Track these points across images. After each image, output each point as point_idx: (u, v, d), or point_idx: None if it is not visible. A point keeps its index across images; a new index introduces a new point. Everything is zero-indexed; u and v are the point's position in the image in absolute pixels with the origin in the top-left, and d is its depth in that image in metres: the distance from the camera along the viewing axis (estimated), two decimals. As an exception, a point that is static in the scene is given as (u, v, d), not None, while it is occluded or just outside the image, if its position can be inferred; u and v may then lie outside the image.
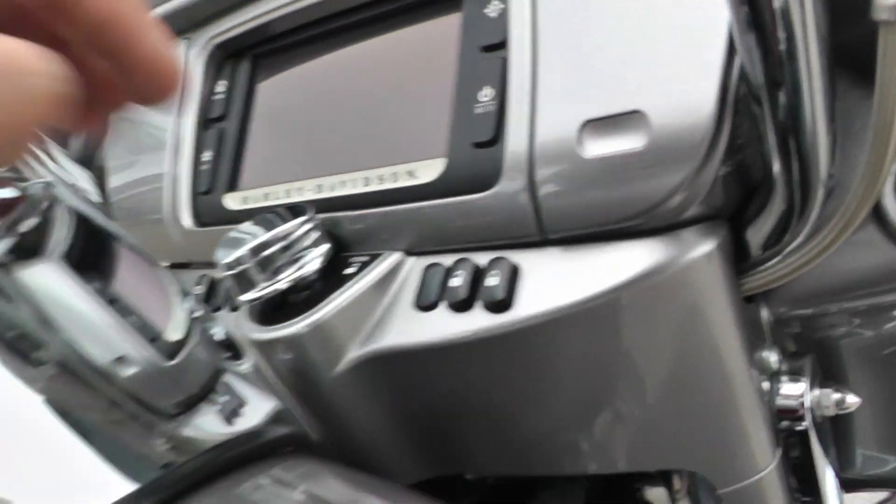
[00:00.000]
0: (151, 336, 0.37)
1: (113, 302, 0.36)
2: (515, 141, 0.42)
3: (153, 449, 0.36)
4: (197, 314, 0.41)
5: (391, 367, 0.47)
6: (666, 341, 0.42)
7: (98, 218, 0.40)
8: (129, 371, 0.35)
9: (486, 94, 0.44)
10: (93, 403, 0.34)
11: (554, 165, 0.41)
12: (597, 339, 0.42)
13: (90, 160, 0.71)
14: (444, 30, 0.48)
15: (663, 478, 0.59)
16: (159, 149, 0.64)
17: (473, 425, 0.49)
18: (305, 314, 0.46)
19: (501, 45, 0.44)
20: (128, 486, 0.33)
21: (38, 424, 0.33)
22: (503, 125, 0.43)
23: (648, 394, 0.44)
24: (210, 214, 0.58)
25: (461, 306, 0.44)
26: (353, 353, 0.46)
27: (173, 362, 0.38)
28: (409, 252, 0.48)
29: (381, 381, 0.47)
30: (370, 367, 0.47)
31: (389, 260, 0.48)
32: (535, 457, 0.49)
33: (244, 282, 0.47)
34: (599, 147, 0.40)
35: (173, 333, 0.38)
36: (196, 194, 0.59)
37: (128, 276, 0.39)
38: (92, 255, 0.37)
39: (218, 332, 0.42)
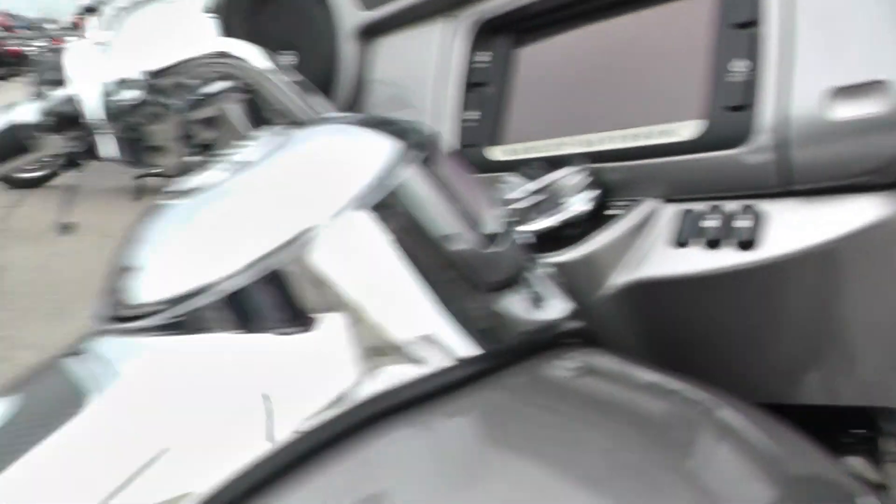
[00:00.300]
0: (472, 224, 0.44)
1: (444, 187, 0.44)
2: (767, 105, 0.49)
3: (471, 314, 0.42)
4: (508, 218, 0.49)
5: (645, 296, 0.55)
6: (886, 285, 0.48)
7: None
8: (455, 246, 0.43)
9: (740, 65, 0.51)
10: (434, 263, 0.42)
11: (804, 126, 0.48)
12: (828, 278, 0.49)
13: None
14: (697, 8, 0.55)
15: (868, 445, 0.60)
16: (410, 107, 0.75)
17: (707, 351, 0.56)
18: (577, 245, 0.56)
19: (753, 23, 0.51)
20: (463, 346, 0.41)
21: (392, 264, 0.41)
22: (755, 91, 0.50)
23: (863, 333, 0.50)
24: (474, 164, 0.69)
25: (714, 244, 0.51)
26: (616, 280, 0.56)
27: (490, 249, 0.44)
28: (666, 199, 0.56)
29: (634, 309, 0.56)
30: (627, 295, 0.55)
31: (649, 204, 0.56)
32: (763, 384, 0.55)
33: (522, 218, 0.58)
34: (846, 111, 0.46)
35: (489, 227, 0.45)
36: (463, 147, 0.70)
37: (454, 175, 0.47)
38: (430, 154, 0.45)
39: (523, 237, 0.50)
